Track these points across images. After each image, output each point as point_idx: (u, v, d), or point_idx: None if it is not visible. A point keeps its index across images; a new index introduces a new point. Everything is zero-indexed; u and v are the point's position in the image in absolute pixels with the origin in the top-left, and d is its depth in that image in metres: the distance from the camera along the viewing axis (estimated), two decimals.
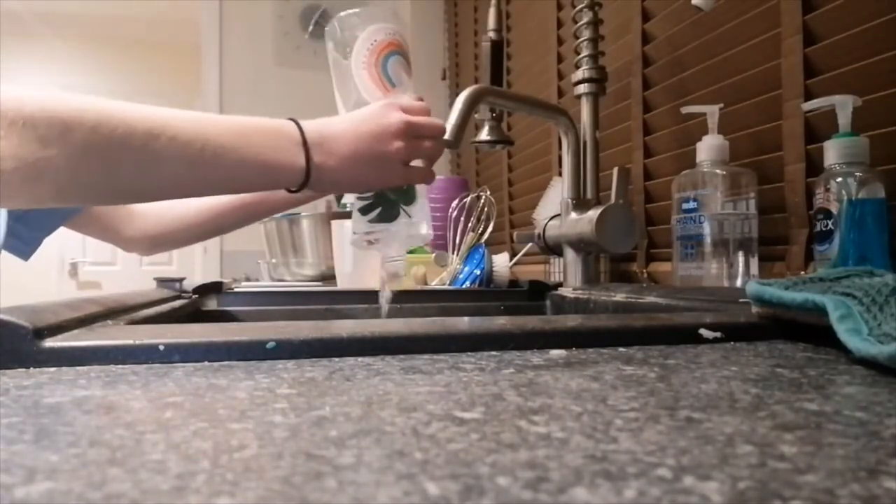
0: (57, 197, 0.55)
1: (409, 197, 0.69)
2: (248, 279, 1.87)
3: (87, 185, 0.54)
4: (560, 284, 0.98)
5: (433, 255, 1.19)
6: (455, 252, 1.15)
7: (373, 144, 0.63)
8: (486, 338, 0.38)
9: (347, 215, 1.59)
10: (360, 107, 0.68)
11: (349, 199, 0.72)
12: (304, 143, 0.61)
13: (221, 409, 0.23)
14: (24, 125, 0.50)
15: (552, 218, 1.03)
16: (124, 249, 0.96)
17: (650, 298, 0.67)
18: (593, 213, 0.90)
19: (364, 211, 0.69)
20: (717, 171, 0.75)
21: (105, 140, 0.52)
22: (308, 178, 0.62)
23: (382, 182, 0.66)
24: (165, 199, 0.63)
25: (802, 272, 0.72)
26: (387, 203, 0.69)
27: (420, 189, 0.71)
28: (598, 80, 0.98)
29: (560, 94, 1.44)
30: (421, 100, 0.69)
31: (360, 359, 0.34)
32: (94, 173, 0.53)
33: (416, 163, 0.68)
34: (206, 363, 0.33)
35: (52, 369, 0.31)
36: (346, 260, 1.21)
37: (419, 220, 0.70)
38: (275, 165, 0.60)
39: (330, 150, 0.62)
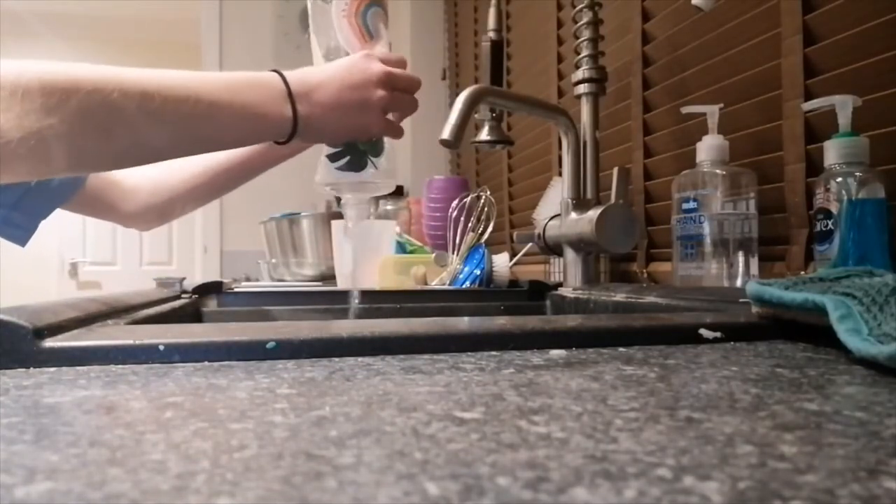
0: (61, 165, 0.56)
1: (377, 148, 0.71)
2: (248, 279, 1.87)
3: (88, 151, 0.56)
4: (560, 284, 0.98)
5: (433, 255, 1.19)
6: (455, 252, 1.15)
7: (356, 93, 0.65)
8: (486, 338, 0.38)
9: None
10: (336, 54, 0.70)
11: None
12: (290, 94, 0.63)
13: (221, 409, 0.23)
14: (23, 96, 0.51)
15: (552, 218, 1.03)
16: (126, 226, 0.95)
17: (650, 298, 0.67)
18: (593, 213, 0.90)
19: (333, 158, 0.71)
20: (717, 171, 0.75)
21: (102, 105, 0.54)
22: (296, 128, 0.63)
23: (364, 130, 0.68)
24: (164, 159, 0.64)
25: (802, 272, 0.72)
26: (356, 153, 0.71)
27: (388, 143, 0.73)
28: (598, 80, 0.98)
29: (560, 94, 1.44)
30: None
31: (360, 359, 0.34)
32: (95, 139, 0.55)
33: (391, 116, 0.70)
34: (206, 363, 0.33)
35: (52, 369, 0.31)
36: (346, 260, 1.21)
37: (385, 172, 0.72)
38: (264, 118, 0.62)
39: (315, 100, 0.64)
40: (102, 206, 0.90)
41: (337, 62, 0.67)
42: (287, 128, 0.63)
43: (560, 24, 1.45)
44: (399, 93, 0.68)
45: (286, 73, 0.64)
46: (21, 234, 0.84)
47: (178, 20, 3.79)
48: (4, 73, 0.51)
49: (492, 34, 1.14)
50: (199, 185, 0.91)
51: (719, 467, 0.17)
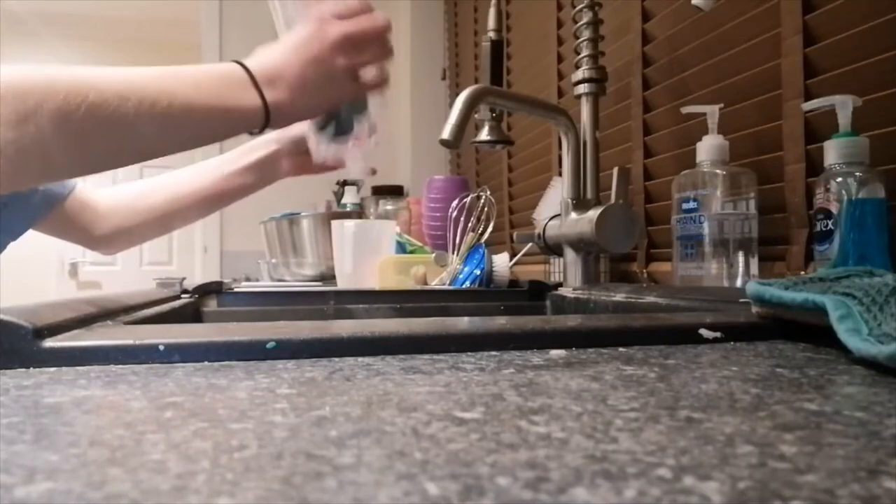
0: (42, 173, 0.56)
1: (359, 107, 0.70)
2: (248, 279, 1.87)
3: (67, 157, 0.55)
4: (560, 284, 0.98)
5: (433, 255, 1.19)
6: (455, 252, 1.15)
7: (320, 67, 0.63)
8: (486, 338, 0.38)
9: (348, 215, 1.59)
10: (291, 22, 0.67)
11: (316, 144, 0.73)
12: (255, 83, 0.61)
13: (221, 409, 0.23)
14: None
15: (552, 218, 1.03)
16: (93, 249, 0.95)
17: (650, 298, 0.67)
18: (593, 213, 0.90)
19: (320, 127, 0.70)
20: (717, 171, 0.75)
21: (78, 109, 0.53)
22: (268, 117, 0.62)
23: (337, 101, 0.67)
24: (142, 160, 0.62)
25: (802, 272, 0.72)
26: (339, 118, 0.70)
27: (372, 99, 0.71)
28: (598, 80, 0.98)
29: (560, 94, 1.44)
30: None
31: (360, 359, 0.34)
32: (72, 144, 0.54)
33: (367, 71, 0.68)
34: (206, 363, 0.33)
35: (52, 369, 0.31)
36: (346, 260, 1.21)
37: (373, 124, 0.72)
38: (235, 111, 0.60)
39: (281, 84, 0.62)
40: (74, 228, 0.90)
41: (293, 37, 0.64)
42: (259, 117, 0.61)
43: (560, 24, 1.45)
44: (366, 48, 0.65)
45: (247, 62, 0.62)
46: (19, 228, 0.84)
47: (178, 20, 3.79)
48: None
49: (492, 34, 1.14)
50: (169, 212, 0.91)
51: (719, 467, 0.17)
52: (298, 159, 0.86)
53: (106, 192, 0.93)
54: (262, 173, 0.87)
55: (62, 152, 0.54)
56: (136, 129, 0.56)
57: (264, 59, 0.63)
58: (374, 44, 0.66)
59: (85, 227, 0.91)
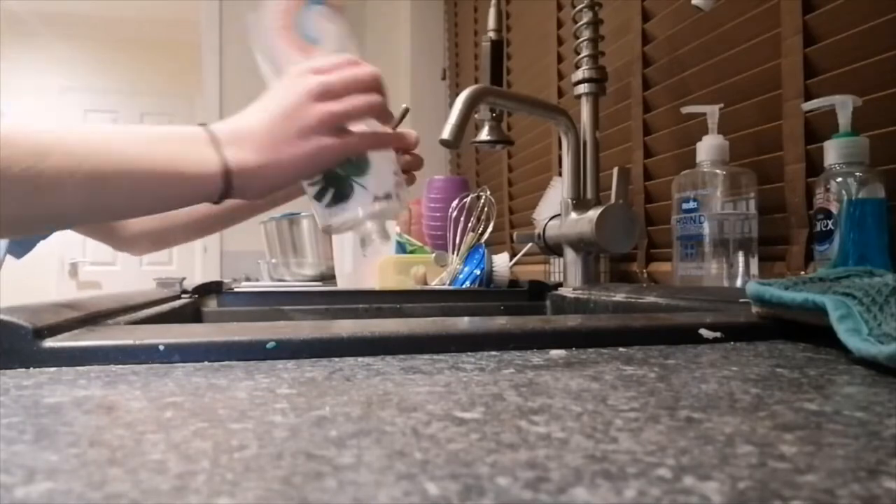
0: None
1: (358, 168, 0.60)
2: (248, 279, 1.87)
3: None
4: (560, 284, 0.98)
5: (433, 255, 1.19)
6: (455, 252, 1.15)
7: (289, 121, 0.54)
8: (486, 338, 0.38)
9: None
10: (272, 80, 0.60)
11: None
12: (214, 140, 0.53)
13: (221, 409, 0.23)
14: None
15: (552, 218, 1.04)
16: (119, 250, 0.94)
17: (650, 298, 0.67)
18: (593, 213, 0.90)
19: (318, 197, 0.61)
20: (717, 171, 0.75)
21: (15, 184, 0.47)
22: (229, 181, 0.53)
23: (317, 159, 0.56)
24: (62, 227, 0.57)
25: (802, 272, 0.72)
26: (335, 181, 0.60)
27: (382, 156, 0.61)
28: (598, 80, 0.98)
29: (560, 94, 1.44)
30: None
31: (360, 359, 0.34)
32: (11, 212, 0.48)
33: (359, 127, 0.59)
34: (206, 363, 0.33)
35: (52, 369, 0.31)
36: (346, 260, 1.21)
37: (380, 190, 0.60)
38: (186, 174, 0.52)
39: (247, 144, 0.54)
40: (101, 230, 0.89)
41: (267, 94, 0.57)
42: (217, 182, 0.52)
43: (560, 24, 1.45)
44: (347, 98, 0.56)
45: (213, 124, 0.55)
46: (18, 250, 0.84)
47: (178, 20, 3.79)
48: None
49: (492, 34, 1.14)
50: (190, 221, 0.89)
51: (719, 467, 0.17)
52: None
53: None
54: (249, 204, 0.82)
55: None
56: (55, 192, 0.48)
57: (233, 119, 0.56)
58: (359, 93, 0.57)
59: (111, 228, 0.90)
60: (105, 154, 0.50)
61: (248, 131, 0.54)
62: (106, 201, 0.51)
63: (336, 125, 0.56)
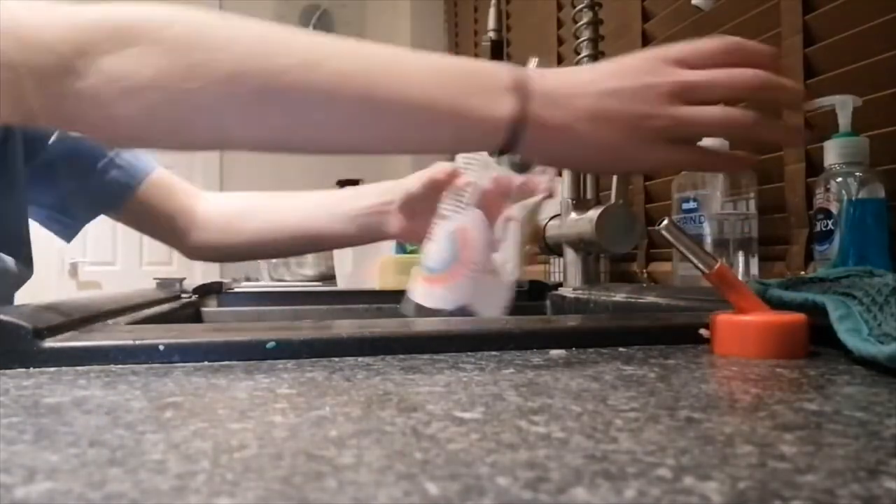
0: (213, 137, 0.45)
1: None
2: (248, 279, 1.87)
3: (240, 126, 0.44)
4: (560, 284, 0.98)
5: None
6: None
7: (628, 105, 0.43)
8: (486, 338, 0.38)
9: None
10: None
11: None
12: (518, 86, 0.43)
13: (221, 409, 0.23)
14: (167, 49, 0.41)
15: (552, 218, 1.03)
16: (186, 255, 0.86)
17: (650, 298, 0.67)
18: (593, 213, 0.90)
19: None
20: None
21: (255, 72, 0.42)
22: (516, 135, 0.43)
23: (629, 163, 0.46)
24: (322, 151, 0.50)
25: (802, 272, 0.72)
26: None
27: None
28: None
29: None
30: None
31: (360, 359, 0.34)
32: (241, 112, 0.43)
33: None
34: (206, 363, 0.33)
35: (52, 369, 0.31)
36: (346, 260, 1.21)
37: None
38: (470, 115, 0.43)
39: (558, 100, 0.43)
40: (164, 229, 0.83)
41: (607, 62, 0.46)
42: (501, 132, 0.43)
43: (560, 24, 1.45)
44: (706, 105, 0.43)
45: (522, 69, 0.45)
46: (66, 232, 0.81)
47: None
48: (154, 17, 0.41)
49: (492, 34, 1.14)
50: (261, 242, 0.81)
51: (719, 467, 0.17)
52: (412, 224, 0.71)
53: (209, 200, 0.83)
54: (367, 226, 0.74)
55: (234, 119, 0.43)
56: (322, 108, 0.43)
57: (550, 72, 0.45)
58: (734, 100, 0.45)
59: (175, 231, 0.83)
60: (382, 74, 0.43)
61: (566, 88, 0.44)
62: (367, 129, 0.45)
63: (682, 136, 0.44)
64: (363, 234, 0.75)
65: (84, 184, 0.76)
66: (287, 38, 0.44)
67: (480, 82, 0.44)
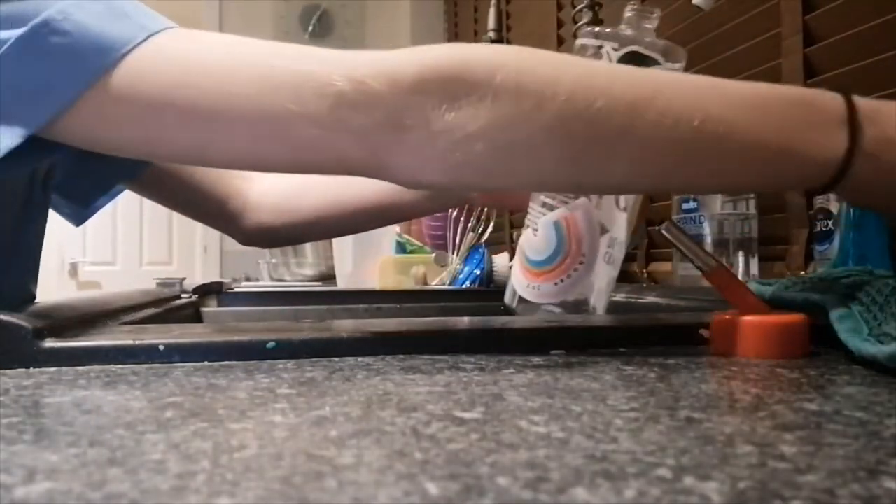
0: (531, 179, 0.43)
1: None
2: (248, 279, 1.87)
3: (557, 167, 0.41)
4: None
5: (433, 255, 1.19)
6: (455, 252, 1.15)
7: None
8: (486, 338, 0.38)
9: None
10: None
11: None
12: (852, 118, 0.38)
13: (221, 409, 0.23)
14: (493, 99, 0.38)
15: None
16: (240, 242, 0.79)
17: (650, 298, 0.67)
18: None
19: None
20: None
21: (580, 117, 0.39)
22: (845, 170, 0.38)
23: None
24: (639, 191, 0.47)
25: (802, 272, 0.72)
26: None
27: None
28: None
29: None
30: None
31: (360, 359, 0.34)
32: (562, 157, 0.40)
33: None
34: (206, 363, 0.33)
35: (52, 369, 0.31)
36: (346, 260, 1.21)
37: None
38: (799, 153, 0.38)
39: (887, 124, 0.38)
40: (214, 213, 0.76)
41: None
42: (830, 168, 0.38)
43: (560, 24, 1.45)
44: None
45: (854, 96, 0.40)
46: (79, 214, 0.74)
47: (178, 20, 3.78)
48: (478, 65, 0.39)
49: (492, 34, 1.14)
50: (323, 218, 0.75)
51: (719, 467, 0.17)
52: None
53: (261, 182, 0.77)
54: (446, 193, 0.69)
55: (554, 165, 0.41)
56: (643, 152, 0.40)
57: (883, 109, 0.40)
58: None
59: (231, 216, 0.76)
60: (703, 115, 0.38)
61: (887, 107, 0.39)
62: (691, 170, 0.41)
63: None
64: (439, 203, 0.71)
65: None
66: (609, 77, 0.41)
67: (813, 113, 0.39)
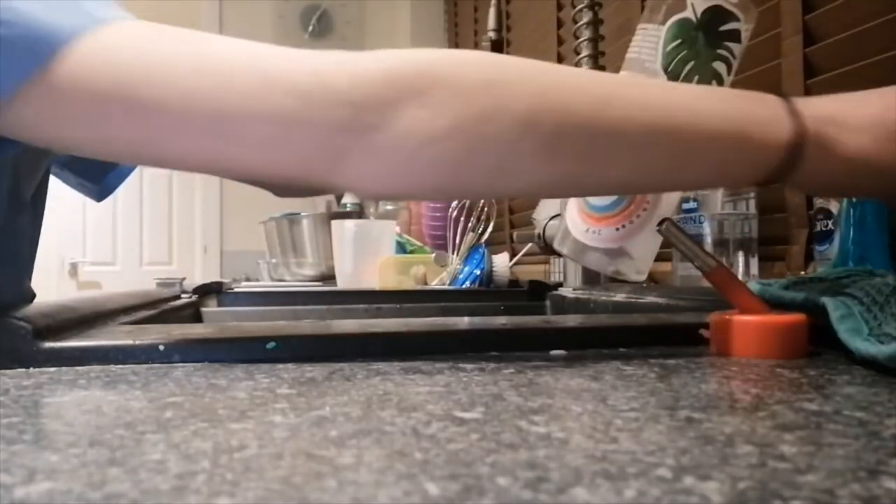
0: (495, 186, 0.42)
1: None
2: (248, 279, 1.87)
3: (533, 168, 0.40)
4: (560, 284, 0.98)
5: (433, 255, 1.19)
6: (455, 252, 1.15)
7: None
8: (486, 338, 0.38)
9: (348, 215, 1.59)
10: None
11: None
12: (790, 106, 0.39)
13: (221, 409, 0.23)
14: (460, 95, 0.38)
15: (552, 218, 1.03)
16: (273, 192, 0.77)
17: (650, 298, 0.67)
18: None
19: None
20: None
21: (550, 110, 0.39)
22: (795, 157, 0.38)
23: None
24: (604, 191, 0.48)
25: (802, 272, 0.72)
26: None
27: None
28: None
29: None
30: None
31: (360, 359, 0.34)
32: (534, 154, 0.39)
33: None
34: (206, 363, 0.33)
35: (52, 369, 0.31)
36: (346, 260, 1.21)
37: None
38: (751, 138, 0.39)
39: (845, 118, 0.39)
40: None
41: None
42: (778, 153, 0.38)
43: (560, 24, 1.45)
44: None
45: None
46: (99, 190, 0.71)
47: (178, 20, 3.79)
48: (444, 63, 0.38)
49: (492, 34, 1.14)
50: None
51: (719, 467, 0.17)
52: None
53: None
54: None
55: (527, 162, 0.40)
56: (619, 141, 0.40)
57: (815, 98, 0.42)
58: None
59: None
60: (676, 106, 0.39)
61: (851, 105, 0.41)
62: (654, 165, 0.41)
63: None
64: None
65: None
66: (575, 75, 0.42)
67: (756, 101, 0.40)
